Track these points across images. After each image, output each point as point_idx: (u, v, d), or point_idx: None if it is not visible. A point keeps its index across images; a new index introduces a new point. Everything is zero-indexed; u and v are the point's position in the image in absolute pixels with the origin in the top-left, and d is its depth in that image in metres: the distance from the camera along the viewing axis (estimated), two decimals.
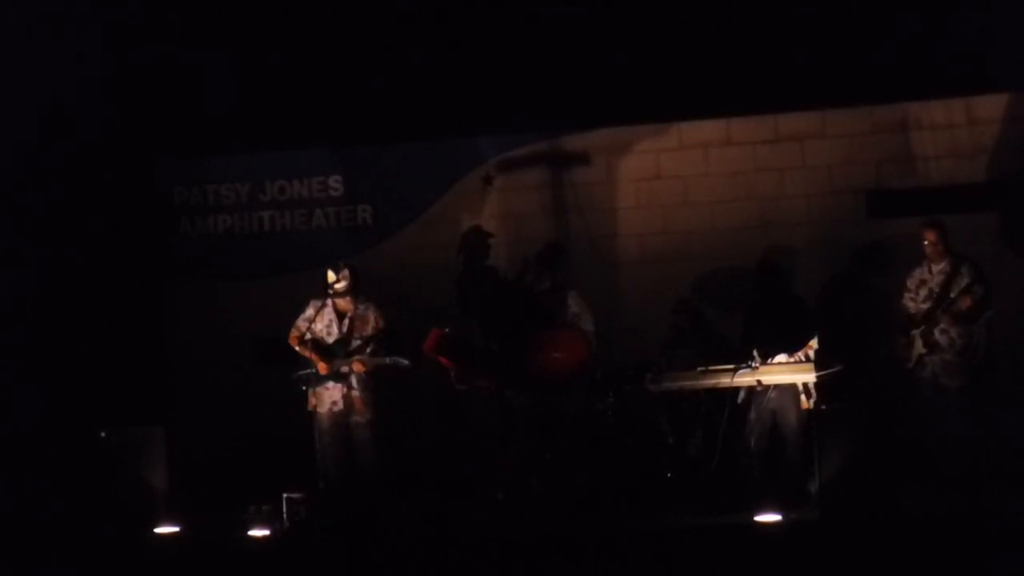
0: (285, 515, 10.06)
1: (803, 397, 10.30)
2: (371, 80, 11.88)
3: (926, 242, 10.52)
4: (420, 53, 11.77)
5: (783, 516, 9.54)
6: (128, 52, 11.77)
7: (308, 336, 10.66)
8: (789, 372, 10.25)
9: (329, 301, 10.74)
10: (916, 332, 10.48)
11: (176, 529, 10.29)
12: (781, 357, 10.30)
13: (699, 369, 10.28)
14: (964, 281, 10.39)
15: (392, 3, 11.77)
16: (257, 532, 9.98)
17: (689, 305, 11.17)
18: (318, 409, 10.69)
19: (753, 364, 10.16)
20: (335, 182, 12.48)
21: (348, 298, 10.74)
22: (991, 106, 11.57)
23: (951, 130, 11.61)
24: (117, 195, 12.20)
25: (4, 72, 11.48)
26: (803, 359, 10.26)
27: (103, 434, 10.53)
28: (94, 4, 11.64)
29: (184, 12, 11.79)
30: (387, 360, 10.62)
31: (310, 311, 10.81)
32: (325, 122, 12.03)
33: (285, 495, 10.11)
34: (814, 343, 10.39)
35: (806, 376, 10.17)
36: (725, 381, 10.19)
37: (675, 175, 12.02)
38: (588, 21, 11.55)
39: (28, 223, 11.92)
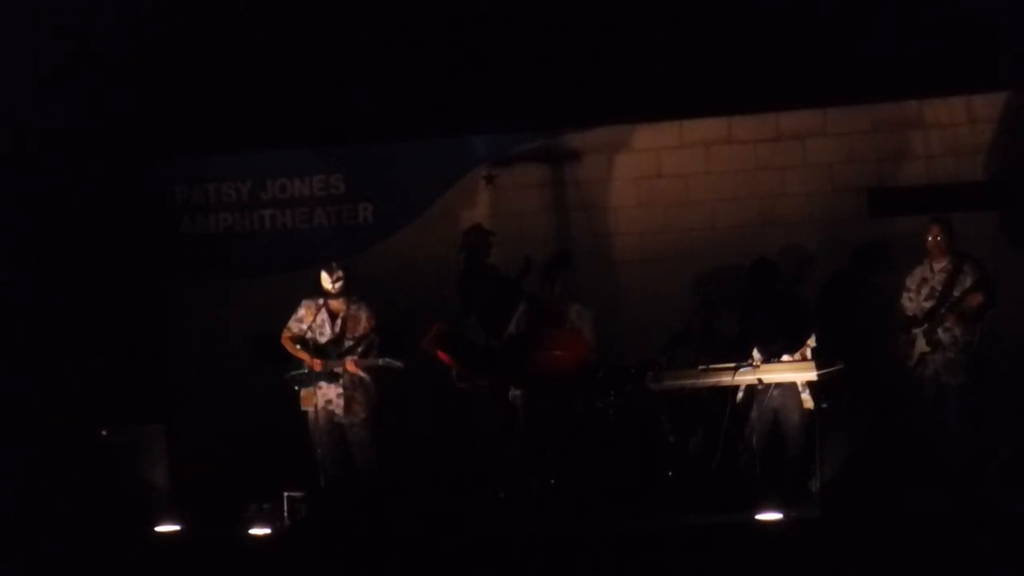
0: (286, 513, 10.05)
1: (805, 396, 10.31)
2: (372, 78, 11.86)
3: (930, 237, 10.50)
4: (421, 51, 11.75)
5: (784, 515, 9.53)
6: (128, 49, 11.76)
7: (309, 335, 10.65)
8: (790, 371, 10.24)
9: (322, 301, 10.72)
10: (918, 331, 10.47)
11: (177, 527, 10.29)
12: (783, 356, 10.30)
13: (700, 368, 10.28)
14: (968, 279, 10.38)
15: (392, 1, 11.75)
16: (257, 530, 9.98)
17: (708, 307, 11.22)
18: (315, 407, 10.67)
19: (754, 363, 10.17)
20: (336, 180, 12.46)
21: (341, 298, 10.72)
22: (992, 104, 11.55)
23: (952, 128, 11.58)
24: (117, 193, 12.19)
25: (3, 70, 11.47)
26: (804, 357, 10.26)
27: (104, 432, 10.54)
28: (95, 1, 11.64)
29: (185, 10, 11.78)
30: (379, 361, 10.60)
31: (302, 311, 10.79)
32: (326, 120, 12.01)
33: (286, 493, 10.10)
34: (811, 341, 10.38)
35: (807, 375, 10.17)
36: (726, 379, 10.19)
37: (676, 173, 12.00)
38: (589, 19, 11.53)
39: (28, 221, 11.91)
